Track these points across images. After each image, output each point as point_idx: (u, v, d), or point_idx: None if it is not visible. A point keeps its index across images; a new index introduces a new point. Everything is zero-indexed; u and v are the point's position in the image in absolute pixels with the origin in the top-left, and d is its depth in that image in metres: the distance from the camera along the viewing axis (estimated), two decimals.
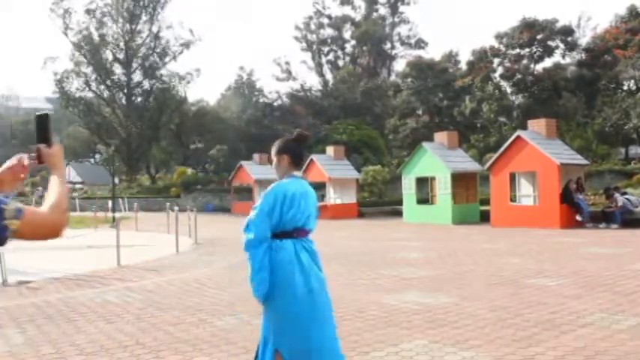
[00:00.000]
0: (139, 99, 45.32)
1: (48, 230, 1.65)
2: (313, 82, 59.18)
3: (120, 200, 31.46)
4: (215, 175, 40.25)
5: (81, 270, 9.64)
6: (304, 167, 25.81)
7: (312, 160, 25.24)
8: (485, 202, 19.28)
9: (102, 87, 44.59)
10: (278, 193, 3.26)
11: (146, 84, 45.06)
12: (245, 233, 3.25)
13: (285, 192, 3.26)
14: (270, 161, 3.78)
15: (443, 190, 19.23)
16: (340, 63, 55.86)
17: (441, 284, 7.54)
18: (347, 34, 55.61)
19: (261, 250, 3.19)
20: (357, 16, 55.88)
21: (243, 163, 30.98)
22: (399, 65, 56.28)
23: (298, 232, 3.32)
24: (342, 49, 56.12)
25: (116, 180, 40.76)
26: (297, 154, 3.43)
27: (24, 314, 6.29)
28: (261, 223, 3.21)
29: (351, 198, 25.09)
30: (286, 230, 3.28)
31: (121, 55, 44.57)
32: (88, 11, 43.21)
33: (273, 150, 3.44)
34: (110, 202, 26.68)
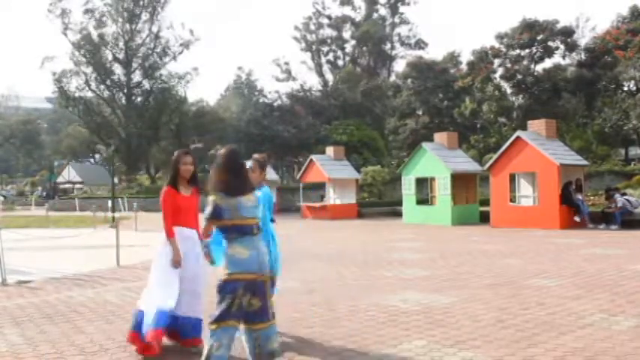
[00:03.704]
0: (139, 99, 45.31)
1: None
2: (313, 82, 59.28)
3: (119, 200, 31.40)
4: None
5: (80, 270, 9.63)
6: (304, 168, 25.93)
7: (311, 160, 25.23)
8: (485, 202, 19.27)
9: (102, 87, 44.59)
10: (269, 196, 4.88)
11: (146, 84, 45.05)
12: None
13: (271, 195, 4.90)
14: (252, 169, 4.97)
15: (442, 190, 19.20)
16: (340, 63, 55.84)
17: (440, 285, 7.54)
18: (347, 35, 55.62)
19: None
20: (357, 17, 55.90)
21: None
22: (399, 66, 56.35)
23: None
24: (342, 49, 56.10)
25: (116, 180, 40.73)
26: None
27: (24, 314, 6.29)
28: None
29: (350, 198, 25.07)
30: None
31: (120, 55, 44.57)
32: (86, 11, 43.23)
33: (258, 165, 4.84)
34: (110, 202, 26.66)
